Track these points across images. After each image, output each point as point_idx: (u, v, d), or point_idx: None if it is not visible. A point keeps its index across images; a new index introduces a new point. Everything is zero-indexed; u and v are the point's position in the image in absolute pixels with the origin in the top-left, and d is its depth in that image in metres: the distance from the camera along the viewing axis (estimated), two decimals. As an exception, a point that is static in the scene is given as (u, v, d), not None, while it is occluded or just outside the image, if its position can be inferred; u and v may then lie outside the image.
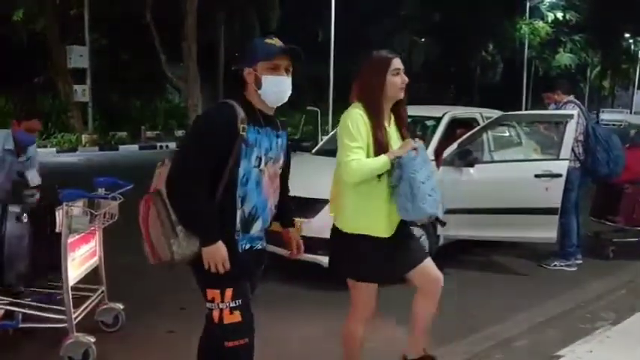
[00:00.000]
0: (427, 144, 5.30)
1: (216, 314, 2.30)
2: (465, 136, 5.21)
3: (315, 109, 6.73)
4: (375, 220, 2.64)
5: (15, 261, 3.28)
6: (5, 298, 3.32)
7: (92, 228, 3.52)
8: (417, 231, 4.92)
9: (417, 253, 2.81)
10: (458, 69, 33.11)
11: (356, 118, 2.59)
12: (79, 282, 3.51)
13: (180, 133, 20.07)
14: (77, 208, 3.22)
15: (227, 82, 22.64)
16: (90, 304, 3.53)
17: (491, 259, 5.74)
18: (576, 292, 4.65)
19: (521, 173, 5.08)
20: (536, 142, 6.10)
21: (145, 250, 2.35)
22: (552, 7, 34.51)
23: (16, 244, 3.28)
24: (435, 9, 29.48)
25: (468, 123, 5.82)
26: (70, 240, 3.21)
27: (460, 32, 28.51)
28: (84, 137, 16.95)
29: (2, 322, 3.36)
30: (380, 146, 2.58)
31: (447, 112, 5.65)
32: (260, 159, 2.34)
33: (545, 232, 4.98)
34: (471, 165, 5.05)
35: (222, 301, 2.28)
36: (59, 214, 3.19)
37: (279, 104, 2.41)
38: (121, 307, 3.75)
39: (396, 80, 2.64)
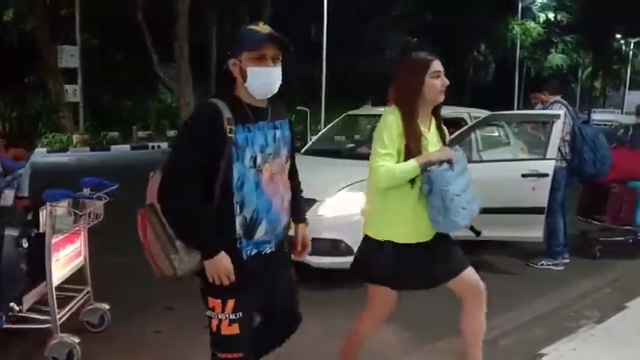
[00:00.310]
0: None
1: (214, 323, 2.21)
2: (452, 136, 5.22)
3: (305, 109, 6.75)
4: (400, 226, 2.58)
5: (10, 287, 3.21)
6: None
7: (77, 228, 3.51)
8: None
9: (455, 262, 2.71)
10: (450, 69, 33.15)
11: (389, 124, 2.52)
12: (64, 282, 3.50)
13: (172, 133, 20.03)
14: (61, 208, 3.21)
15: (218, 82, 22.59)
16: (75, 304, 3.52)
17: (480, 259, 5.75)
18: (563, 291, 4.68)
19: (508, 173, 5.11)
20: (524, 142, 6.13)
21: (153, 267, 2.24)
22: (544, 8, 34.72)
23: (12, 270, 3.20)
24: (427, 9, 29.58)
25: (456, 123, 5.84)
26: (54, 240, 3.20)
27: (452, 32, 28.63)
28: (75, 137, 16.90)
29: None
30: (409, 153, 2.51)
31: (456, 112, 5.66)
32: (255, 158, 2.18)
33: (532, 231, 5.01)
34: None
35: (223, 312, 2.18)
36: (42, 215, 3.17)
37: (268, 96, 2.24)
38: (107, 307, 3.74)
39: (436, 83, 2.56)
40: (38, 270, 3.21)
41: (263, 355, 2.55)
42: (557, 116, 5.04)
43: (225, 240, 2.15)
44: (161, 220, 2.15)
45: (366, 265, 2.68)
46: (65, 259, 3.43)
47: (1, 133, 12.21)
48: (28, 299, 3.31)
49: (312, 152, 5.88)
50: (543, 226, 5.06)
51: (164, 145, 18.20)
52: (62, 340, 3.19)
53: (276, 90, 2.23)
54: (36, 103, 17.90)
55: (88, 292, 3.71)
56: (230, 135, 2.10)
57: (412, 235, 2.59)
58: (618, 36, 45.44)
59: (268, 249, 2.27)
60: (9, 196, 4.03)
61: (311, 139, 6.30)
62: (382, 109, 7.44)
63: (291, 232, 2.46)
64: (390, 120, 2.53)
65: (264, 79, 2.17)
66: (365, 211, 2.74)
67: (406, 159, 2.50)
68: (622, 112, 41.16)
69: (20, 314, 3.27)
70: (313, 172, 5.35)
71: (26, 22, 18.75)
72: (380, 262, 2.59)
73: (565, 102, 5.47)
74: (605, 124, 31.15)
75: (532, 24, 33.41)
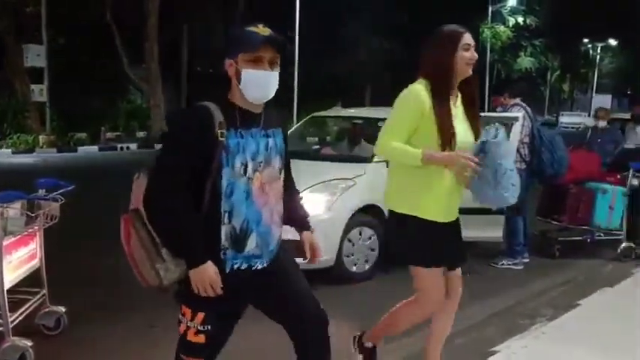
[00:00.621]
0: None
1: (182, 327, 2.15)
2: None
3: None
4: (432, 203, 2.52)
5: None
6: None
7: (32, 230, 3.46)
8: (367, 231, 5.02)
9: (460, 254, 2.73)
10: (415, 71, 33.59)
11: (413, 100, 2.47)
12: (18, 285, 3.44)
13: (141, 134, 19.83)
14: (13, 209, 3.16)
15: (190, 82, 22.48)
16: (29, 307, 3.47)
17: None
18: (520, 290, 4.79)
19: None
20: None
21: (137, 276, 2.13)
22: (513, 12, 35.31)
23: None
24: (401, 12, 29.81)
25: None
26: (5, 242, 3.14)
27: (425, 35, 28.90)
28: (41, 138, 16.60)
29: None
30: (444, 124, 2.45)
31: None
32: (246, 166, 2.08)
33: (492, 231, 5.12)
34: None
35: (191, 321, 2.12)
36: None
37: (263, 101, 2.14)
38: (63, 310, 3.69)
39: (466, 55, 2.51)
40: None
41: None
42: (516, 119, 5.16)
43: (210, 249, 2.06)
44: (146, 227, 2.05)
45: (397, 243, 2.66)
46: (18, 261, 3.37)
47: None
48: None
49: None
50: (503, 226, 5.16)
51: (133, 146, 18.02)
52: (14, 343, 3.14)
53: (271, 95, 2.14)
54: (1, 103, 17.51)
55: (43, 295, 3.66)
56: (221, 139, 2.01)
57: (440, 214, 2.55)
58: (586, 40, 46.57)
59: (259, 264, 2.18)
60: None
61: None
62: (352, 111, 7.48)
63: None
64: (414, 92, 2.49)
65: (259, 82, 2.09)
66: (390, 189, 2.68)
67: (441, 130, 2.44)
68: (589, 115, 42.18)
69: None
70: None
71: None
72: (406, 237, 2.58)
73: (524, 105, 5.59)
74: (572, 127, 31.84)
75: (502, 28, 33.99)
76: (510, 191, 2.48)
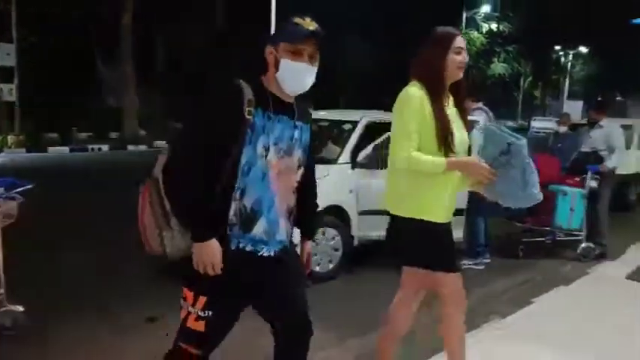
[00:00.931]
0: (343, 147, 5.48)
1: (183, 313, 2.14)
2: (379, 140, 5.38)
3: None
4: (437, 206, 2.53)
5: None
6: None
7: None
8: (330, 231, 5.08)
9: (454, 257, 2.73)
10: (398, 76, 33.92)
11: (413, 101, 2.46)
12: None
13: (114, 135, 19.62)
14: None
15: (165, 83, 22.27)
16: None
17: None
18: (479, 289, 4.87)
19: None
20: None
21: (143, 241, 2.19)
22: (487, 19, 35.84)
23: None
24: (376, 17, 30.05)
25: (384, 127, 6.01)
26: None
27: (401, 40, 29.19)
28: (10, 138, 16.32)
29: None
30: (443, 125, 2.45)
31: (364, 117, 5.82)
32: (267, 149, 2.08)
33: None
34: (383, 167, 5.21)
35: (193, 306, 2.10)
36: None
37: (297, 93, 2.16)
38: (21, 309, 3.67)
39: (457, 58, 2.51)
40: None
41: None
42: (477, 122, 5.27)
43: (217, 224, 2.05)
44: (160, 194, 2.09)
45: (402, 246, 2.65)
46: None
47: None
48: None
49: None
50: (463, 226, 5.27)
51: (105, 147, 17.82)
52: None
53: (306, 88, 2.16)
54: (-31, 102, 17.18)
55: (1, 294, 3.63)
56: (248, 117, 2.02)
57: (445, 215, 2.57)
58: (557, 47, 47.52)
59: (266, 251, 2.16)
60: None
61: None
62: (320, 113, 7.54)
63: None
64: (414, 96, 2.47)
65: (296, 74, 2.10)
66: (393, 193, 2.66)
67: (440, 132, 2.44)
68: (560, 120, 42.98)
69: None
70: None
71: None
72: (414, 241, 2.57)
73: (486, 109, 5.72)
74: (543, 132, 32.41)
75: (475, 34, 34.44)
76: (537, 188, 2.49)
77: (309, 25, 2.09)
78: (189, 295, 2.11)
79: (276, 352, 2.33)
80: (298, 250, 2.43)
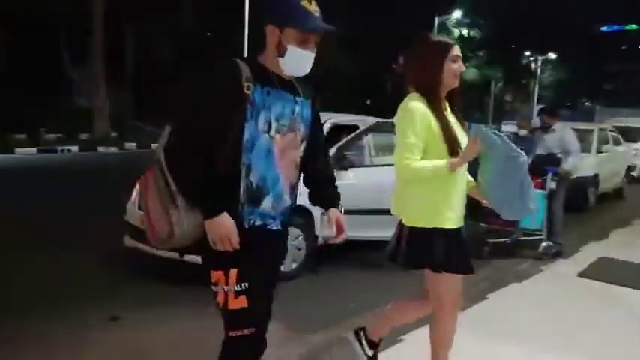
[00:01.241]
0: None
1: (220, 297, 2.06)
2: (342, 142, 5.51)
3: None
4: (447, 212, 2.55)
5: None
6: None
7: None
8: (294, 231, 5.19)
9: (468, 259, 2.75)
10: (372, 81, 34.31)
11: (414, 112, 2.46)
12: None
13: (84, 136, 19.39)
14: None
15: (136, 83, 22.09)
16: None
17: (370, 258, 6.06)
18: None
19: (392, 176, 5.44)
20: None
21: (147, 230, 2.12)
22: (458, 24, 36.51)
23: None
24: (348, 23, 30.28)
25: (352, 129, 6.14)
26: None
27: (374, 45, 29.48)
28: (-25, 139, 16.02)
29: None
30: (448, 133, 2.47)
31: (329, 119, 5.94)
32: (269, 124, 2.05)
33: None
34: (346, 169, 5.35)
35: (227, 284, 2.03)
36: None
37: (297, 75, 2.15)
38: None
39: (453, 66, 2.52)
40: None
41: None
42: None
43: (228, 203, 2.02)
44: (164, 174, 2.04)
45: (418, 254, 2.65)
46: None
47: None
48: None
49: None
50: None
51: (75, 148, 17.61)
52: None
53: (306, 72, 2.15)
54: None
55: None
56: (247, 92, 1.99)
57: (455, 221, 2.60)
58: (527, 53, 48.53)
59: (274, 225, 2.16)
60: None
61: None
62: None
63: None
64: (415, 107, 2.47)
65: (301, 62, 2.08)
66: (401, 204, 2.67)
67: (446, 141, 2.46)
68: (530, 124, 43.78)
69: None
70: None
71: None
72: (433, 249, 2.58)
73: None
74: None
75: (447, 39, 35.01)
76: (532, 200, 2.55)
77: (315, 10, 2.06)
78: (219, 274, 2.05)
79: None
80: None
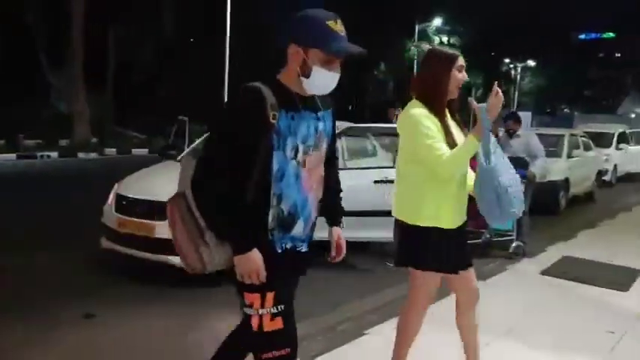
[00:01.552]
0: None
1: (255, 321, 2.02)
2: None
3: (185, 118, 6.98)
4: (446, 212, 2.60)
5: None
6: None
7: None
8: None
9: (469, 254, 2.80)
10: (352, 86, 34.62)
11: (422, 116, 2.52)
12: None
13: (64, 142, 19.31)
14: None
15: (117, 89, 22.03)
16: None
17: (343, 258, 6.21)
18: (405, 285, 5.20)
19: (363, 180, 5.63)
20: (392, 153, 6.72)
21: (180, 257, 2.10)
22: (439, 32, 36.99)
23: None
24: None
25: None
26: None
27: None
28: (-47, 145, 15.89)
29: None
30: (448, 138, 2.53)
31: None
32: (296, 149, 2.02)
33: (385, 232, 5.50)
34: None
35: (263, 307, 2.01)
36: None
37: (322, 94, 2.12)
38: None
39: (459, 76, 2.60)
40: None
41: None
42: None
43: (257, 232, 2.00)
44: (190, 210, 2.00)
45: (413, 252, 2.70)
46: None
47: None
48: None
49: (187, 159, 6.13)
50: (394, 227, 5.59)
51: (54, 154, 17.54)
52: None
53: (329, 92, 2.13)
54: None
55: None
56: (273, 121, 1.95)
57: (454, 220, 2.65)
58: (507, 60, 49.33)
59: (303, 247, 2.16)
60: None
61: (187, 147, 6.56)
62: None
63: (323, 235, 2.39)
64: (418, 112, 2.55)
65: (327, 83, 2.05)
66: (402, 201, 2.72)
67: (451, 147, 2.49)
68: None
69: None
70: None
71: None
72: (428, 248, 2.63)
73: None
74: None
75: (427, 46, 35.45)
76: (515, 204, 2.54)
77: (342, 30, 2.01)
78: (254, 297, 2.02)
79: (232, 338, 2.34)
80: None
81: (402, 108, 6.24)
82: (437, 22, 36.39)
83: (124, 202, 5.24)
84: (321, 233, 2.40)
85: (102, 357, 3.62)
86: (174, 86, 23.28)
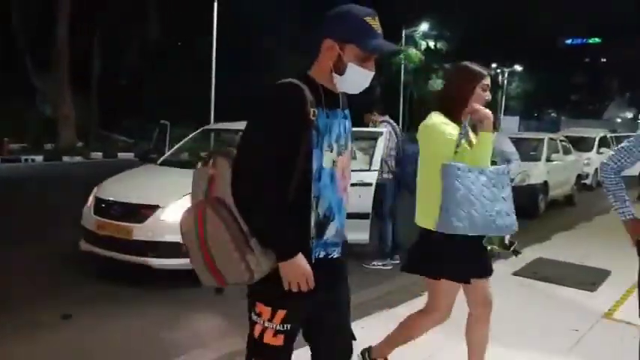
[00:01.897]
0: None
1: (258, 329, 1.96)
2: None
3: (166, 122, 7.07)
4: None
5: None
6: None
7: None
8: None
9: (487, 264, 2.78)
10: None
11: (443, 124, 2.59)
12: None
13: (49, 146, 19.27)
14: None
15: (102, 92, 21.98)
16: None
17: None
18: (384, 285, 5.30)
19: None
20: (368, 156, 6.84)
21: (202, 274, 1.92)
22: (425, 37, 37.31)
23: None
24: (314, 34, 30.68)
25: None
26: None
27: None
28: (-64, 148, 15.82)
29: None
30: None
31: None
32: (331, 148, 1.95)
33: (359, 234, 5.66)
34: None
35: (270, 321, 1.93)
36: None
37: (352, 93, 2.06)
38: None
39: (482, 95, 2.65)
40: None
41: None
42: (381, 134, 5.77)
43: (299, 238, 1.90)
44: (233, 215, 1.85)
45: (426, 258, 2.71)
46: None
47: None
48: None
49: (167, 163, 6.23)
50: (369, 229, 5.73)
51: (39, 158, 17.52)
52: None
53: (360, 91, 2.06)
54: None
55: None
56: (313, 118, 1.87)
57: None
58: (494, 65, 49.72)
59: (336, 253, 2.03)
60: None
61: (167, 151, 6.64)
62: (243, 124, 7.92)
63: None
64: (441, 120, 2.62)
65: (361, 81, 1.98)
66: (422, 209, 2.72)
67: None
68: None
69: None
70: (161, 181, 5.70)
71: None
72: (439, 252, 2.63)
73: (392, 121, 6.23)
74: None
75: (413, 50, 35.77)
76: (466, 220, 2.49)
77: (379, 27, 1.95)
78: (266, 310, 1.94)
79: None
80: None
81: (379, 113, 6.38)
82: (424, 27, 36.70)
83: (103, 205, 5.31)
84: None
85: (79, 358, 3.68)
86: (161, 89, 23.31)
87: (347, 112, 2.08)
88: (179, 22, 23.28)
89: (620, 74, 63.62)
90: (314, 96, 1.90)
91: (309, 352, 2.17)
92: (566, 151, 12.30)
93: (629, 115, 63.93)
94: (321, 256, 1.97)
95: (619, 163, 2.94)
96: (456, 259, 2.65)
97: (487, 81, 2.69)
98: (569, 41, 72.33)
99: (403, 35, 34.49)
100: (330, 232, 1.98)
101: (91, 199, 5.54)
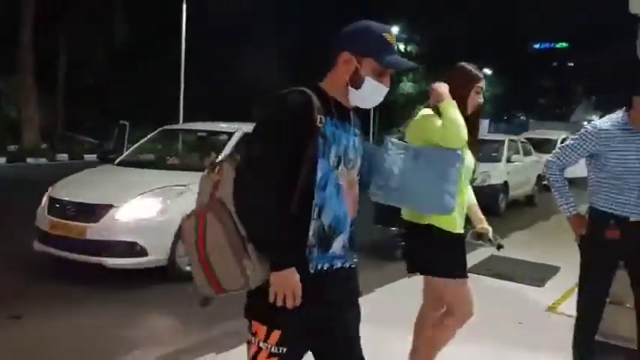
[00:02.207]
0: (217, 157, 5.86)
1: (252, 349, 1.89)
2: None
3: (125, 122, 7.05)
4: (454, 216, 2.62)
5: None
6: None
7: None
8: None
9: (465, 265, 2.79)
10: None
11: (433, 116, 2.62)
12: None
13: (12, 147, 18.91)
14: None
15: (68, 95, 21.67)
16: None
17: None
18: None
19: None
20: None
21: (200, 281, 1.87)
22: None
23: None
24: (291, 35, 30.75)
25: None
26: None
27: (312, 59, 30.02)
28: None
29: None
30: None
31: (240, 129, 6.24)
32: (340, 159, 1.91)
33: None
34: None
35: (265, 341, 1.86)
36: None
37: (365, 108, 2.05)
38: None
39: (476, 98, 2.71)
40: None
41: None
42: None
43: (296, 247, 1.85)
44: (232, 218, 1.82)
45: (428, 258, 2.73)
46: None
47: None
48: None
49: (124, 163, 6.21)
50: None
51: (2, 160, 17.19)
52: None
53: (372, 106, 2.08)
54: None
55: None
56: (319, 125, 1.84)
57: (459, 225, 2.69)
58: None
59: (340, 263, 1.97)
60: None
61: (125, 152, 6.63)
62: (199, 125, 7.76)
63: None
64: (432, 114, 2.65)
65: (376, 96, 1.98)
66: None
67: None
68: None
69: None
70: (116, 180, 5.69)
71: None
72: (434, 249, 2.66)
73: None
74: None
75: (385, 53, 36.08)
76: (389, 197, 2.60)
77: (395, 44, 1.98)
78: (261, 329, 1.87)
79: None
80: None
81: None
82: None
83: (57, 205, 5.27)
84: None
85: (28, 357, 3.67)
86: (129, 89, 23.07)
87: (357, 129, 2.05)
88: (147, 23, 23.08)
89: (586, 78, 65.10)
90: (323, 105, 1.88)
91: None
92: (527, 153, 12.58)
93: (595, 117, 65.33)
94: (324, 268, 1.92)
95: (564, 161, 3.07)
96: (463, 255, 2.72)
97: (482, 84, 2.75)
98: (537, 45, 73.70)
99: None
100: (337, 246, 1.94)
101: (45, 199, 5.49)
